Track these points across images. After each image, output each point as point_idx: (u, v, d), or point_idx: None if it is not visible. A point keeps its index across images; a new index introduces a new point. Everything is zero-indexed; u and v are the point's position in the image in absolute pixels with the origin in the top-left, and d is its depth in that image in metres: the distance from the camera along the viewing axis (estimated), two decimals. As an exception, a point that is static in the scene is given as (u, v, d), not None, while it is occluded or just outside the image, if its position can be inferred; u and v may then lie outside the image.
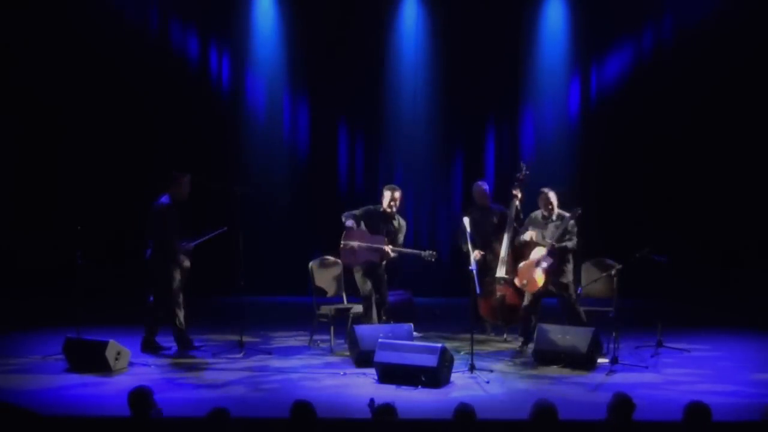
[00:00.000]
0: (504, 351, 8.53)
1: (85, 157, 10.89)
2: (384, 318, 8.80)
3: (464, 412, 4.86)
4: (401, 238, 8.87)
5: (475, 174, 11.60)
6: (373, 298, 8.67)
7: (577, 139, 11.63)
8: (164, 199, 8.37)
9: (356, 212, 8.84)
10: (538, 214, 8.58)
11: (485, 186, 9.32)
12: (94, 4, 10.89)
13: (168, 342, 8.47)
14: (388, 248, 8.64)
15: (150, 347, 8.36)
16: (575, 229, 8.39)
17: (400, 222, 8.88)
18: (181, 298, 8.37)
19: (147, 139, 11.10)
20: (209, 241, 8.46)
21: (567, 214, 8.37)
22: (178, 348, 8.43)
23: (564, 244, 8.35)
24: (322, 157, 11.84)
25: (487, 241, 9.03)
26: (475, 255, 8.85)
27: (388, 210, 8.77)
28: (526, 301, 8.53)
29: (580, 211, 8.33)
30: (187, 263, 8.41)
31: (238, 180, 8.89)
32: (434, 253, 8.78)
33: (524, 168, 8.95)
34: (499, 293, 8.87)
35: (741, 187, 10.92)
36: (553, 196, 8.46)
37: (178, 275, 8.35)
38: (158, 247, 8.29)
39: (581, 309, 8.39)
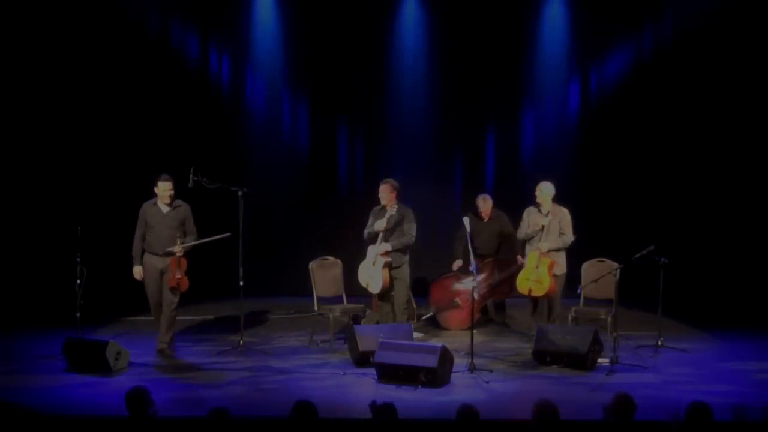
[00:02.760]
0: (504, 351, 8.53)
1: (84, 157, 10.86)
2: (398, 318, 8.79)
3: (467, 413, 4.81)
4: (398, 230, 8.64)
5: (475, 174, 11.60)
6: (390, 297, 8.70)
7: (577, 139, 11.61)
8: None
9: (369, 223, 8.81)
10: (533, 209, 8.69)
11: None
12: (94, 4, 10.86)
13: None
14: (382, 249, 8.59)
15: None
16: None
17: (392, 214, 8.59)
18: (155, 301, 8.27)
19: (146, 139, 11.07)
20: (205, 243, 8.39)
21: (564, 209, 8.60)
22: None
23: (559, 246, 8.54)
24: (322, 157, 11.82)
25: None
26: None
27: (386, 206, 8.72)
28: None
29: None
30: (159, 265, 8.19)
31: (238, 180, 8.87)
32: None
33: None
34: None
35: (741, 187, 10.90)
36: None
37: (142, 278, 8.24)
38: None
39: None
